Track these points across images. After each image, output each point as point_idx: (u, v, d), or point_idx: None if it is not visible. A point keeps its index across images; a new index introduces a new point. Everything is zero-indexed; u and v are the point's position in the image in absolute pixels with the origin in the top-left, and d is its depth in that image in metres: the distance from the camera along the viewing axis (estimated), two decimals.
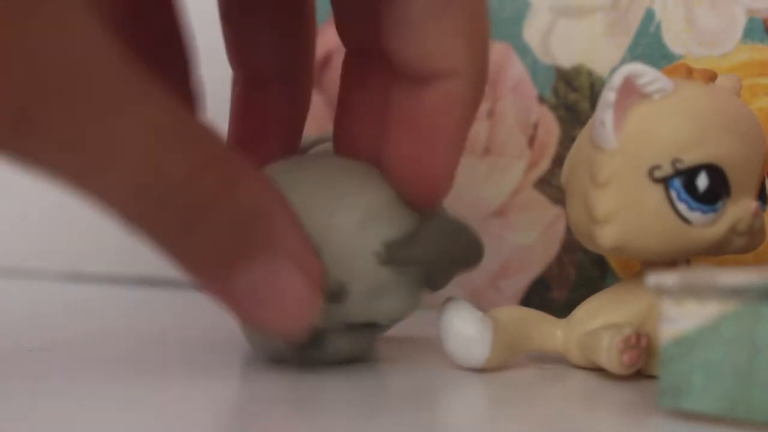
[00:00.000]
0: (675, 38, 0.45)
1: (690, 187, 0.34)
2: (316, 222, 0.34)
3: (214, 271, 0.31)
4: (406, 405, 0.33)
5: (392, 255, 0.35)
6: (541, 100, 0.48)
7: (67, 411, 0.32)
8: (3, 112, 0.26)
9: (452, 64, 0.32)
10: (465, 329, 0.36)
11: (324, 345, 0.36)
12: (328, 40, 0.53)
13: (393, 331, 0.44)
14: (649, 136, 0.35)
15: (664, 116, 0.35)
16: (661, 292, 0.31)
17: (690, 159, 0.34)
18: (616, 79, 0.35)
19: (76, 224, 0.57)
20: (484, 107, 0.49)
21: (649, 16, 0.45)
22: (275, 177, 0.35)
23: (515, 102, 0.48)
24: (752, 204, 0.35)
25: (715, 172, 0.35)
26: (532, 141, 0.48)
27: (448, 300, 0.37)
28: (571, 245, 0.47)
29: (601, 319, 0.37)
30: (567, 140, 0.47)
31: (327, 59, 0.53)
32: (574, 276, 0.47)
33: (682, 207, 0.35)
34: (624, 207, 0.35)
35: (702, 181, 0.34)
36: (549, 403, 0.34)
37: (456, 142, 0.33)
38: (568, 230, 0.47)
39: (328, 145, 0.39)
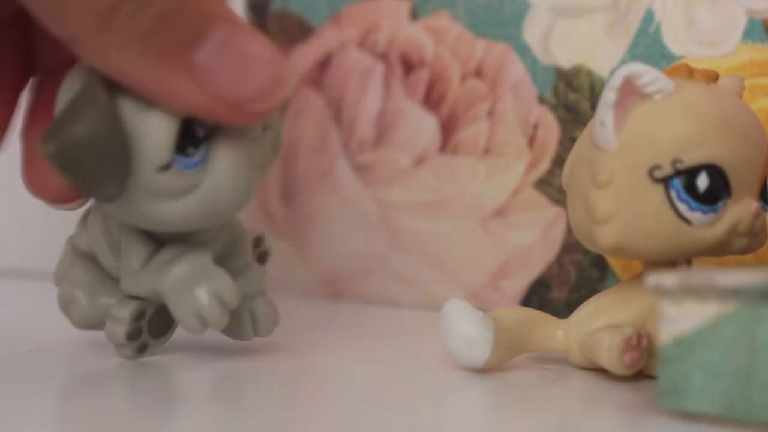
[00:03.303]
0: (675, 39, 0.45)
1: (690, 187, 0.34)
2: None
3: (176, 49, 0.32)
4: (406, 405, 0.33)
5: None
6: (541, 100, 0.48)
7: (66, 410, 0.32)
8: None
9: None
10: (466, 330, 0.36)
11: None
12: (328, 40, 0.53)
13: (393, 332, 0.44)
14: (649, 136, 0.35)
15: (664, 116, 0.35)
16: (660, 292, 0.31)
17: (690, 159, 0.34)
18: (617, 79, 0.35)
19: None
20: (483, 107, 0.49)
21: (649, 16, 0.45)
22: None
23: (515, 102, 0.48)
24: (753, 204, 0.35)
25: (716, 172, 0.35)
26: (532, 141, 0.48)
27: (449, 300, 0.37)
28: (571, 245, 0.47)
29: (602, 319, 0.37)
30: (567, 140, 0.47)
31: (327, 59, 0.53)
32: (574, 276, 0.47)
33: (682, 207, 0.35)
34: (624, 207, 0.35)
35: (702, 182, 0.34)
36: (550, 404, 0.34)
37: None
38: (569, 230, 0.47)
39: None
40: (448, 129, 0.50)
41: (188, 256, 0.36)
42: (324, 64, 0.53)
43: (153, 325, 0.38)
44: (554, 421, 0.32)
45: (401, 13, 0.51)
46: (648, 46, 0.45)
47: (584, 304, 0.38)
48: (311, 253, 0.54)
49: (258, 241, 0.41)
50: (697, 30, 0.44)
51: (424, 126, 0.51)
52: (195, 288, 0.35)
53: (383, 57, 0.52)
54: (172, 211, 0.35)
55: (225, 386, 0.36)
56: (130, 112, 0.34)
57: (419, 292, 0.51)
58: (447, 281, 0.50)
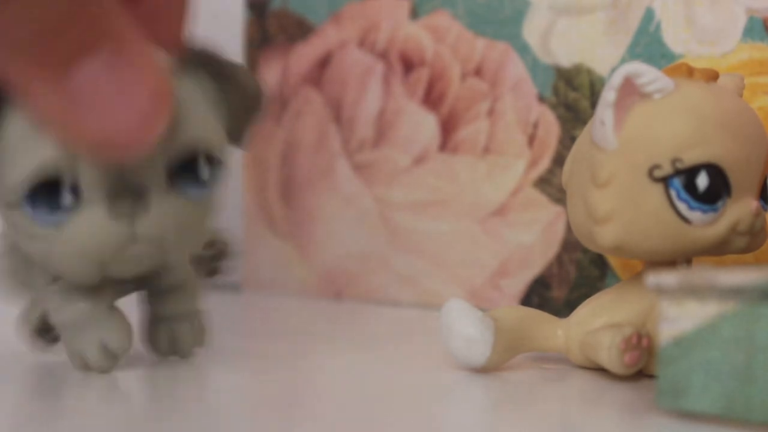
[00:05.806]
0: (675, 37, 0.45)
1: (690, 186, 0.34)
2: None
3: (53, 66, 0.29)
4: (406, 405, 0.33)
5: None
6: (541, 99, 0.48)
7: (67, 411, 0.32)
8: None
9: None
10: (466, 329, 0.36)
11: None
12: (327, 39, 0.53)
13: (393, 332, 0.44)
14: (649, 135, 0.35)
15: (664, 116, 0.35)
16: (660, 292, 0.31)
17: (690, 158, 0.34)
18: (616, 79, 0.35)
19: None
20: (483, 106, 0.49)
21: (649, 15, 0.45)
22: None
23: (515, 101, 0.48)
24: (753, 203, 0.35)
25: (716, 171, 0.35)
26: (532, 140, 0.48)
27: (449, 300, 0.37)
28: (571, 244, 0.47)
29: (603, 319, 0.37)
30: (567, 139, 0.47)
31: (327, 58, 0.53)
32: (574, 275, 0.47)
33: (682, 206, 0.34)
34: (624, 207, 0.35)
35: (702, 181, 0.34)
36: (549, 403, 0.34)
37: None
38: (568, 229, 0.47)
39: None
40: (448, 128, 0.50)
41: (86, 296, 0.35)
42: (324, 63, 0.53)
43: None
44: (554, 421, 0.32)
45: (401, 12, 0.51)
46: (648, 44, 0.45)
47: (584, 303, 0.38)
48: (311, 252, 0.54)
49: (210, 243, 0.39)
50: (697, 28, 0.44)
51: (423, 125, 0.51)
52: (82, 333, 0.35)
53: (383, 56, 0.52)
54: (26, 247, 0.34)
55: (225, 386, 0.36)
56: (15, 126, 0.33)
57: (419, 291, 0.51)
58: (447, 281, 0.50)
